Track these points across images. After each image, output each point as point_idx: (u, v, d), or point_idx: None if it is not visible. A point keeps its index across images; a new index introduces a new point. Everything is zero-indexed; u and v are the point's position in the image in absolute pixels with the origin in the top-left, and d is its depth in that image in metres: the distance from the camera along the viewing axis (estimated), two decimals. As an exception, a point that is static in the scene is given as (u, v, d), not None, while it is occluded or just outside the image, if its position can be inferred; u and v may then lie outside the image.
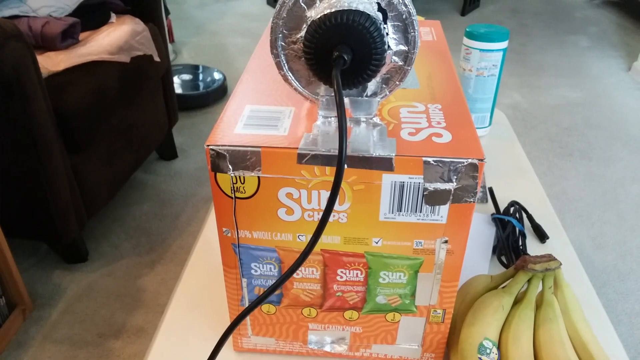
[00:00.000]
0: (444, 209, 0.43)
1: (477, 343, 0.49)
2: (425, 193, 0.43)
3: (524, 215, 0.75)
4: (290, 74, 0.43)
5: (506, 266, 0.66)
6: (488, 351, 0.49)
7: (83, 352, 1.13)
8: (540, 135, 2.10)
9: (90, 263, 1.35)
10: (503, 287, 0.52)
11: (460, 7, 3.60)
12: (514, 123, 2.22)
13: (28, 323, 1.17)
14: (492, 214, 0.73)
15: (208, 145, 0.43)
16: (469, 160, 0.41)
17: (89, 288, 1.28)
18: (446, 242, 0.45)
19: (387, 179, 0.42)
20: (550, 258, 0.51)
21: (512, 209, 0.74)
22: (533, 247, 0.70)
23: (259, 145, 0.42)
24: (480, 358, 0.48)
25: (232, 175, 0.43)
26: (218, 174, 0.44)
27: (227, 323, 0.59)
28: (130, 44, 1.21)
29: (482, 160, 0.41)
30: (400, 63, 0.42)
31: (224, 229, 0.47)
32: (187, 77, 2.28)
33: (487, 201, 0.78)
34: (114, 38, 1.20)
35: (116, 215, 1.53)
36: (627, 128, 2.13)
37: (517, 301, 0.52)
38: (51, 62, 1.12)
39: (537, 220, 0.74)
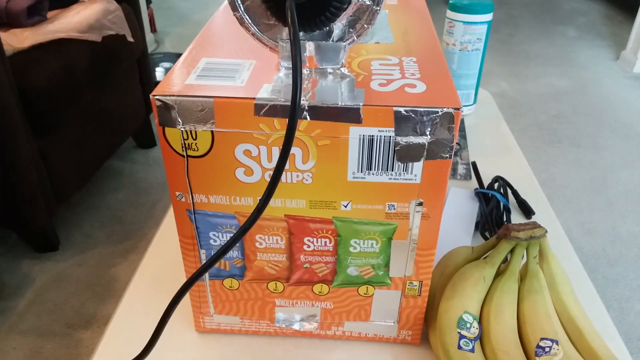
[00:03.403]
0: (417, 167, 0.39)
1: (457, 317, 0.45)
2: (396, 148, 0.39)
3: (509, 191, 0.71)
4: (247, 16, 0.39)
5: (490, 241, 0.62)
6: (468, 325, 0.45)
7: (50, 343, 1.08)
8: (528, 122, 2.07)
9: (61, 252, 1.30)
10: (485, 258, 0.49)
11: (448, -2, 3.57)
12: (501, 110, 2.19)
13: (-7, 314, 1.12)
14: (475, 189, 0.69)
15: (154, 95, 0.38)
16: (444, 110, 0.37)
17: (59, 278, 1.23)
18: (421, 204, 0.41)
19: (355, 133, 0.38)
20: (534, 225, 0.47)
21: (496, 184, 0.70)
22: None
23: (211, 95, 0.38)
24: (459, 333, 0.44)
25: (182, 129, 0.39)
26: (167, 129, 0.39)
27: (188, 304, 0.55)
28: (101, 23, 1.16)
29: (458, 109, 0.37)
30: (368, 2, 0.38)
31: (177, 193, 0.43)
32: (168, 65, 2.23)
33: (470, 178, 0.75)
34: (84, 16, 1.14)
35: (90, 203, 1.47)
36: (616, 115, 2.12)
37: (500, 273, 0.48)
38: (16, 39, 1.06)
39: (523, 196, 0.70)
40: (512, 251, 0.48)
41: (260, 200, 0.33)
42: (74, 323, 1.13)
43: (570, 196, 1.66)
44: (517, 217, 0.67)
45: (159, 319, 0.53)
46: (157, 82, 1.86)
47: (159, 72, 2.14)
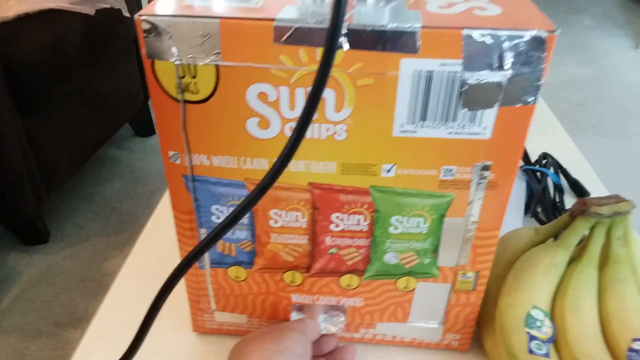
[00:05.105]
0: (489, 115, 0.30)
1: (524, 314, 0.36)
2: (463, 89, 0.29)
3: (559, 171, 0.62)
4: None
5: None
6: (539, 324, 0.35)
7: (35, 344, 1.00)
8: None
9: (52, 244, 1.21)
10: (555, 240, 0.39)
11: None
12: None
13: (-26, 311, 1.03)
14: (522, 166, 0.59)
15: (140, 15, 0.29)
16: (534, 33, 0.27)
17: (48, 272, 1.14)
18: (487, 168, 0.32)
19: (408, 67, 0.29)
20: (618, 199, 0.38)
21: (544, 161, 0.61)
22: (571, 205, 0.57)
23: (217, 15, 0.28)
24: (529, 333, 0.35)
25: (177, 63, 0.30)
26: (157, 63, 0.30)
27: (184, 299, 0.45)
28: (94, -6, 1.07)
29: (552, 31, 0.27)
30: None
31: (171, 154, 0.33)
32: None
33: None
34: (76, -14, 1.05)
35: (84, 193, 1.38)
36: None
37: (574, 258, 0.38)
38: (0, 8, 0.97)
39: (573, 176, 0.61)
40: (589, 231, 0.38)
41: (277, 160, 0.24)
42: (62, 322, 1.04)
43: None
44: (569, 199, 0.58)
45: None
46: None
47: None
